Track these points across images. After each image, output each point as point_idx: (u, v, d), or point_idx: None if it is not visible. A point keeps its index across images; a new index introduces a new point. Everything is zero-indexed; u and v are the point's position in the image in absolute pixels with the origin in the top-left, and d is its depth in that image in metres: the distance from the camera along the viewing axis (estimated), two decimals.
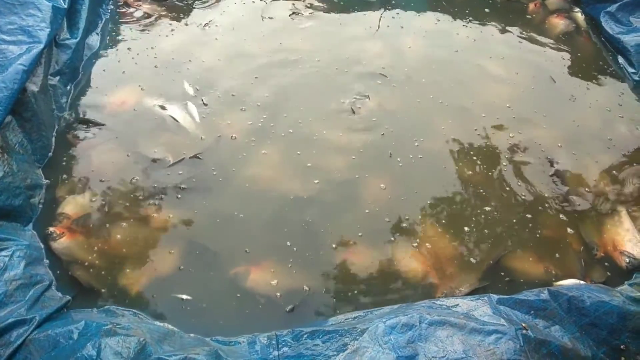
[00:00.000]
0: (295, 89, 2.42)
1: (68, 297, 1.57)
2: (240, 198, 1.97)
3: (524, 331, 1.39)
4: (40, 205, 1.86)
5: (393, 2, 3.00)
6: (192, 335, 1.50)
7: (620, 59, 2.66)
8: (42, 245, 1.73)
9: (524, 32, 2.86)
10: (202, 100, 2.31)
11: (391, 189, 2.03)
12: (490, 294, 1.56)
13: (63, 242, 1.75)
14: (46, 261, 1.69)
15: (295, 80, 2.47)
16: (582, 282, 1.74)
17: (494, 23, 2.91)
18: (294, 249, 1.83)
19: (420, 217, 1.95)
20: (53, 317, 1.45)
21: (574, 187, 2.07)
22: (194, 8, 2.88)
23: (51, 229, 1.77)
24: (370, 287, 1.77)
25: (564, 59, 2.71)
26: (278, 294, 1.70)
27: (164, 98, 2.30)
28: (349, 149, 2.16)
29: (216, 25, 2.77)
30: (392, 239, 1.89)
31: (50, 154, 2.04)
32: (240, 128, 2.21)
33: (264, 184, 2.02)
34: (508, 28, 2.88)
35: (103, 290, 1.68)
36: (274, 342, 1.43)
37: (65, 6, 2.21)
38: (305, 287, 1.73)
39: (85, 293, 1.66)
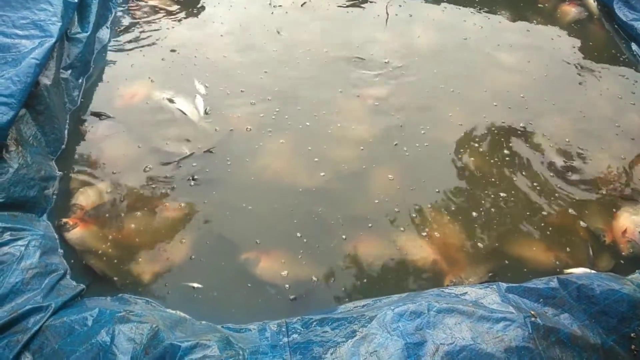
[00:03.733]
0: (304, 81, 2.43)
1: (82, 286, 1.60)
2: (251, 189, 1.99)
3: (533, 319, 1.38)
4: (54, 197, 1.90)
5: None
6: (203, 322, 1.52)
7: (634, 46, 2.63)
8: (57, 236, 1.76)
9: (535, 21, 2.83)
10: (212, 94, 2.32)
11: (400, 178, 2.03)
12: (499, 282, 1.56)
13: (76, 233, 1.78)
14: (60, 251, 1.72)
15: (304, 73, 2.47)
16: (592, 270, 1.73)
17: (504, 11, 2.88)
18: (305, 240, 1.84)
19: (429, 206, 1.95)
20: (68, 305, 1.49)
21: (584, 175, 2.06)
22: (204, 3, 2.90)
23: (64, 220, 1.80)
24: (379, 277, 1.77)
25: (576, 47, 2.68)
26: (287, 285, 1.71)
27: (173, 91, 2.32)
28: (359, 140, 2.16)
29: (225, 19, 2.78)
30: (402, 228, 1.89)
31: (63, 146, 2.07)
32: (251, 121, 2.22)
33: (274, 176, 2.03)
34: (518, 16, 2.85)
35: (116, 278, 1.71)
36: (283, 329, 1.44)
37: (76, 0, 2.24)
38: (314, 278, 1.74)
39: (99, 282, 1.69)
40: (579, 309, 1.47)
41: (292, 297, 1.69)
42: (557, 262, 1.80)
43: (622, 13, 2.71)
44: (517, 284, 1.54)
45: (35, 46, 1.94)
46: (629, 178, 2.06)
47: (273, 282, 1.72)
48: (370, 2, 2.93)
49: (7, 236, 1.56)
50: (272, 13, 2.83)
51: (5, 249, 1.52)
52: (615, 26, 2.76)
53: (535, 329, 1.37)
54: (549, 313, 1.46)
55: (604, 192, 2.00)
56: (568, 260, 1.81)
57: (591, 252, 1.82)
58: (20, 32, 1.98)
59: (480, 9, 2.88)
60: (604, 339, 1.42)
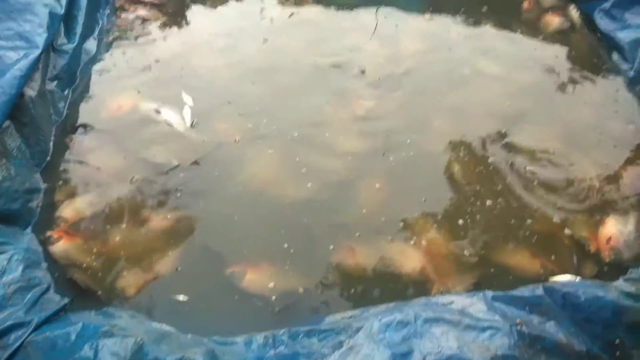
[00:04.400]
0: (292, 91, 2.43)
1: (66, 300, 1.57)
2: (238, 200, 1.98)
3: (519, 327, 1.39)
4: (39, 209, 1.87)
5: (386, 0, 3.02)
6: (189, 335, 1.51)
7: (615, 55, 2.66)
8: (41, 249, 1.74)
9: (519, 30, 2.87)
10: (199, 105, 2.31)
11: (387, 188, 2.04)
12: (486, 291, 1.56)
13: (61, 246, 1.76)
14: (44, 264, 1.69)
15: (292, 83, 2.48)
16: (577, 277, 1.74)
17: (488, 22, 2.92)
18: (291, 251, 1.83)
19: (415, 215, 1.96)
20: (51, 320, 1.46)
21: (569, 183, 2.08)
22: (191, 13, 2.90)
23: (49, 232, 1.78)
24: (367, 286, 1.77)
25: (559, 56, 2.72)
26: (274, 297, 1.70)
27: (159, 102, 2.31)
28: (346, 150, 2.16)
29: (213, 30, 2.79)
30: (389, 237, 1.89)
31: (48, 158, 2.05)
32: (238, 132, 2.21)
33: (262, 187, 2.02)
34: (502, 26, 2.89)
35: (100, 292, 1.69)
36: (270, 341, 1.43)
37: (63, 12, 2.24)
38: (301, 289, 1.73)
39: (83, 295, 1.67)
40: (565, 317, 1.48)
41: (277, 308, 1.68)
42: (543, 270, 1.82)
43: (604, 23, 2.76)
44: (503, 292, 1.54)
45: (20, 57, 1.92)
46: (614, 186, 2.08)
47: (260, 294, 1.71)
48: (357, 12, 2.95)
49: None
50: (261, 24, 2.84)
51: None
52: (598, 35, 2.81)
53: (521, 337, 1.37)
54: (534, 321, 1.46)
55: (589, 200, 2.02)
56: (553, 267, 1.82)
57: (576, 260, 1.84)
58: (4, 44, 1.97)
59: (464, 19, 2.92)
60: (589, 346, 1.43)
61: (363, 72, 2.54)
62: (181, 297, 1.69)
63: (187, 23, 2.83)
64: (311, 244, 1.86)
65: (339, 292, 1.76)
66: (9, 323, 1.37)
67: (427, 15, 2.95)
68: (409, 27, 2.86)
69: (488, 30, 2.87)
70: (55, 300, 1.56)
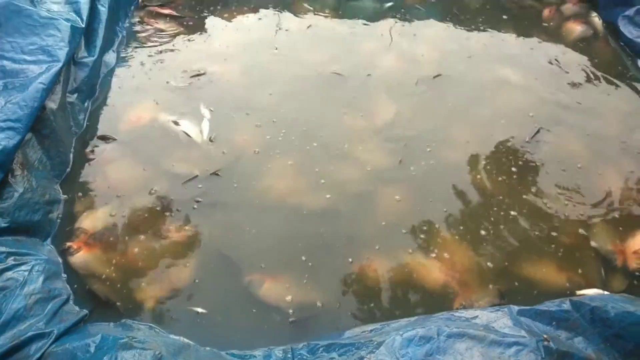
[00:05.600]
0: (309, 102, 2.42)
1: (85, 311, 1.58)
2: (256, 212, 1.96)
3: (546, 343, 1.34)
4: (59, 220, 1.89)
5: (402, 10, 3.01)
6: (207, 348, 1.49)
7: None
8: (60, 260, 1.75)
9: (540, 38, 2.83)
10: (217, 117, 2.32)
11: (407, 198, 2.01)
12: (511, 305, 1.52)
13: (80, 257, 1.76)
14: (64, 275, 1.71)
15: (309, 94, 2.47)
16: (605, 292, 1.69)
17: (508, 30, 2.89)
18: (310, 263, 1.81)
19: (437, 226, 1.92)
20: (71, 331, 1.46)
21: (594, 193, 2.02)
22: (210, 25, 2.93)
23: (68, 243, 1.79)
24: (387, 300, 1.74)
25: (582, 64, 2.67)
26: (291, 310, 1.68)
27: (178, 114, 2.33)
28: (365, 160, 2.14)
29: (230, 42, 2.80)
30: (410, 250, 1.86)
31: (68, 169, 2.07)
32: (258, 143, 2.20)
33: (280, 199, 2.01)
34: (523, 34, 2.86)
35: (119, 303, 1.69)
36: (289, 355, 1.41)
37: (83, 25, 2.27)
38: (319, 304, 1.71)
39: (102, 307, 1.67)
40: (594, 332, 1.43)
41: (291, 320, 1.65)
42: (569, 284, 1.76)
43: (627, 30, 2.71)
44: (529, 307, 1.50)
45: (42, 71, 1.95)
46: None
47: (278, 307, 1.69)
48: (375, 23, 2.94)
49: (10, 261, 1.55)
50: (277, 36, 2.84)
51: (9, 274, 1.51)
52: (621, 43, 2.76)
53: (549, 353, 1.32)
54: (562, 337, 1.42)
55: (615, 212, 1.96)
56: (580, 281, 1.77)
57: (603, 273, 1.78)
58: (28, 58, 2.00)
59: (483, 28, 2.89)
60: None
61: (380, 82, 2.52)
62: (199, 310, 1.68)
63: (205, 35, 2.85)
64: (330, 256, 1.84)
65: (358, 305, 1.72)
66: (30, 334, 1.37)
67: (446, 24, 2.93)
68: (426, 37, 2.84)
69: (508, 39, 2.84)
70: (74, 311, 1.57)
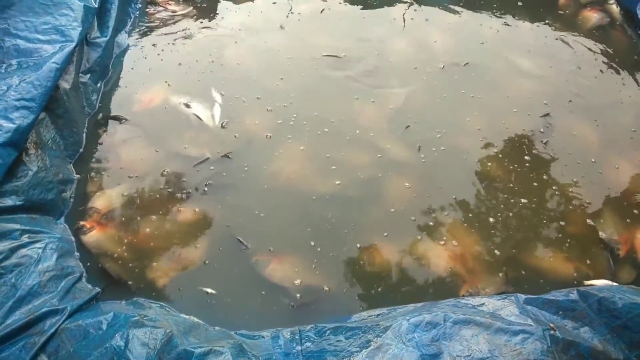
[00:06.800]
0: (320, 87, 2.42)
1: (98, 289, 1.61)
2: (266, 196, 1.98)
3: (552, 332, 1.35)
4: (72, 200, 1.91)
5: None
6: (217, 328, 1.52)
7: None
8: (73, 238, 1.78)
9: (555, 26, 2.79)
10: (228, 101, 2.32)
11: (417, 185, 2.01)
12: (518, 294, 1.53)
13: (93, 236, 1.79)
14: (77, 254, 1.74)
15: (320, 79, 2.46)
16: (613, 283, 1.69)
17: (523, 17, 2.84)
18: (318, 249, 1.83)
19: (446, 214, 1.93)
20: (83, 308, 1.49)
21: (605, 184, 2.01)
22: (222, 8, 2.91)
23: (81, 222, 1.82)
24: (394, 285, 1.76)
25: (598, 53, 2.63)
26: (298, 294, 1.70)
27: (189, 96, 2.33)
28: (376, 146, 2.14)
29: (243, 25, 2.78)
30: (419, 237, 1.87)
31: (81, 149, 2.09)
32: (269, 128, 2.21)
33: (290, 183, 2.02)
34: (538, 22, 2.81)
35: (131, 282, 1.72)
36: (297, 337, 1.43)
37: (96, 5, 2.27)
38: (326, 288, 1.73)
39: (114, 285, 1.70)
40: (600, 323, 1.43)
41: (297, 303, 1.67)
42: (576, 274, 1.77)
43: None
44: (536, 296, 1.51)
45: (56, 51, 1.96)
46: None
47: (286, 290, 1.71)
48: (388, 8, 2.91)
49: (25, 238, 1.58)
50: (290, 20, 2.82)
51: (24, 251, 1.54)
52: (639, 32, 2.71)
53: (555, 342, 1.33)
54: (568, 326, 1.42)
55: (625, 202, 1.95)
56: (588, 271, 1.77)
57: (612, 264, 1.78)
58: (42, 37, 2.01)
59: (497, 14, 2.85)
60: (626, 354, 1.38)
61: (392, 67, 2.51)
62: (209, 290, 1.70)
63: (217, 18, 2.84)
64: (338, 242, 1.85)
65: (366, 290, 1.74)
66: (44, 310, 1.40)
67: (459, 10, 2.89)
68: (439, 22, 2.81)
69: (522, 26, 2.80)
70: (87, 289, 1.60)
